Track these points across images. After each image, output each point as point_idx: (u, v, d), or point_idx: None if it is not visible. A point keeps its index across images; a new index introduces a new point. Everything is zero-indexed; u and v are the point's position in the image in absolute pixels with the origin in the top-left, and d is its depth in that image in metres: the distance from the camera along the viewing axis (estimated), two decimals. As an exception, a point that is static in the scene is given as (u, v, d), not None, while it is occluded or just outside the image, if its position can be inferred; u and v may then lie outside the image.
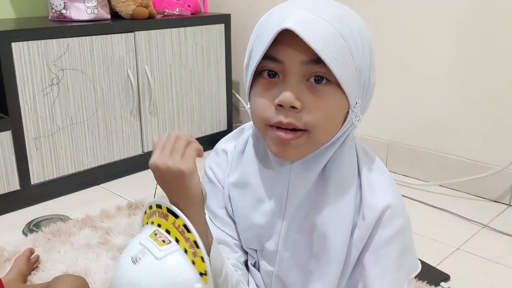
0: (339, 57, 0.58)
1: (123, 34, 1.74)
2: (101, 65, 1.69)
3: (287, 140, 0.61)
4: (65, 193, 1.71)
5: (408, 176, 1.83)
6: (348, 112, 0.63)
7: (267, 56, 0.60)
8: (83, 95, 1.67)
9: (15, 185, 1.57)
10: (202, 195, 0.61)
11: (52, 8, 1.76)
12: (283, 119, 0.60)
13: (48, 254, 1.30)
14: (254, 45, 0.63)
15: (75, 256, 1.29)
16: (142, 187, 1.78)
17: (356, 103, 0.63)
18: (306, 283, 0.71)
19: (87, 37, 1.63)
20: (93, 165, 1.76)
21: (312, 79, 0.60)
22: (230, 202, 0.75)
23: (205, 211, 0.76)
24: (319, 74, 0.60)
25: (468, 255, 1.33)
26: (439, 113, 1.73)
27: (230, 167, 0.75)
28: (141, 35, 1.79)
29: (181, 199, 0.60)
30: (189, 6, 2.09)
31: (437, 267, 1.26)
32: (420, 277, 1.18)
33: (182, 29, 1.92)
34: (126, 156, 1.85)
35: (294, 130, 0.61)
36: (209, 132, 2.10)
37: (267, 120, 0.62)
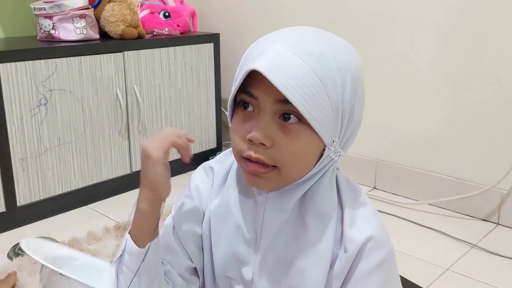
0: (310, 98, 0.58)
1: (112, 54, 1.73)
2: (90, 85, 1.69)
3: (257, 173, 0.62)
4: (52, 215, 1.68)
5: (397, 194, 1.84)
6: (324, 149, 0.63)
7: (244, 90, 0.62)
8: (71, 115, 1.65)
9: (0, 207, 1.54)
10: (159, 188, 0.66)
11: (40, 29, 1.76)
12: (252, 154, 0.61)
13: (33, 277, 1.27)
14: (237, 75, 0.64)
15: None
16: (130, 207, 1.75)
17: (333, 141, 0.62)
18: None
19: (75, 57, 1.63)
20: (80, 186, 1.74)
21: (284, 118, 0.61)
22: (210, 228, 0.74)
23: (171, 220, 0.77)
24: (289, 113, 0.60)
25: (458, 276, 1.33)
26: (428, 132, 1.74)
27: (214, 189, 0.75)
28: (130, 55, 1.79)
29: (142, 182, 0.67)
30: (178, 25, 2.10)
31: (427, 288, 1.26)
32: (410, 298, 1.18)
33: (171, 48, 1.93)
34: (114, 176, 1.83)
35: (263, 164, 0.62)
36: (198, 150, 2.09)
37: (240, 152, 0.63)
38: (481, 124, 1.62)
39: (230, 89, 0.65)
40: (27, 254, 1.37)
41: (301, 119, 0.60)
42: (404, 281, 1.20)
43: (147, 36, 1.96)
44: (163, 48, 1.90)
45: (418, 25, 1.69)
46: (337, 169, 0.70)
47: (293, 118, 0.60)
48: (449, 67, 1.65)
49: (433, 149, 1.74)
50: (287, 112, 0.60)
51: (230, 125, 0.68)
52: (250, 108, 0.63)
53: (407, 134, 1.79)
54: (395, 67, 1.78)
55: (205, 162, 0.79)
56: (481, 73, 1.58)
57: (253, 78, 0.60)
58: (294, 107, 0.58)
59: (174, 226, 0.76)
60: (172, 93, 1.96)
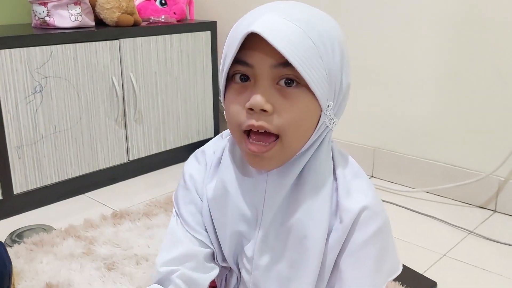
0: (307, 59, 0.58)
1: (108, 42, 1.72)
2: (85, 72, 1.67)
3: (259, 153, 0.62)
4: (49, 203, 1.68)
5: (394, 182, 1.84)
6: (320, 116, 0.63)
7: (238, 60, 0.61)
8: (67, 103, 1.64)
9: (-4, 195, 1.54)
10: None
11: (35, 15, 1.74)
12: (254, 122, 0.61)
13: (30, 265, 1.27)
14: (227, 51, 0.63)
15: (58, 266, 1.26)
16: (127, 195, 1.75)
17: (328, 106, 0.63)
18: None
19: (71, 44, 1.61)
20: (77, 174, 1.73)
21: (282, 82, 0.61)
22: (210, 214, 0.74)
23: (178, 218, 0.76)
24: (289, 77, 0.60)
25: (455, 262, 1.33)
26: (425, 120, 1.74)
27: (208, 174, 0.74)
28: (126, 42, 1.78)
29: None
30: (174, 13, 2.08)
31: (424, 274, 1.26)
32: (407, 284, 1.18)
33: (167, 36, 1.91)
34: (111, 165, 1.82)
35: (266, 133, 0.61)
36: (195, 139, 2.08)
37: (240, 125, 0.62)
38: (478, 111, 1.61)
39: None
40: (24, 242, 1.37)
41: (299, 82, 0.60)
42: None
43: (143, 24, 1.94)
44: (159, 36, 1.88)
45: (416, 11, 1.68)
46: (332, 141, 0.70)
47: (292, 81, 0.60)
48: (447, 54, 1.64)
49: (430, 136, 1.73)
50: (284, 76, 0.60)
51: (223, 104, 0.68)
52: (244, 80, 0.62)
53: (404, 122, 1.79)
54: (392, 53, 1.77)
55: (195, 151, 0.79)
56: (479, 60, 1.58)
57: (246, 47, 0.60)
58: (290, 71, 0.59)
59: (180, 221, 0.76)
60: (169, 81, 1.95)
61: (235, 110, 0.63)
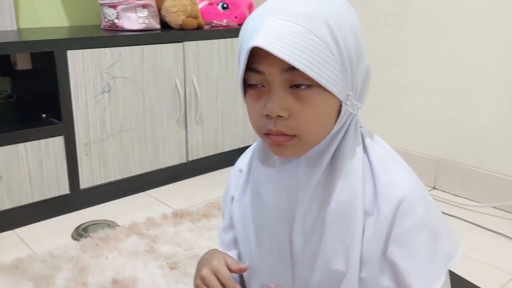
0: (314, 58, 0.57)
1: (172, 44, 1.75)
2: (151, 74, 1.72)
3: (280, 142, 0.62)
4: (113, 199, 1.73)
5: (458, 195, 1.77)
6: (341, 105, 0.63)
7: (250, 68, 0.61)
8: (132, 103, 1.69)
9: (65, 189, 1.60)
10: None
11: (104, 18, 1.80)
12: (272, 127, 0.61)
13: (97, 260, 1.31)
14: (239, 56, 0.64)
15: (123, 264, 1.30)
16: (186, 195, 1.78)
17: (348, 95, 0.62)
18: (321, 284, 0.68)
19: (138, 46, 1.66)
20: (139, 172, 1.77)
21: (294, 86, 0.60)
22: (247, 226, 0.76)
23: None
24: (300, 80, 0.60)
25: (526, 282, 1.26)
26: (492, 129, 1.66)
27: (242, 186, 0.77)
28: (190, 45, 1.81)
29: None
30: (236, 17, 2.10)
31: (494, 293, 1.20)
32: (476, 303, 1.13)
33: (229, 40, 1.93)
34: (171, 164, 1.86)
35: (285, 134, 0.62)
36: (251, 142, 2.08)
37: (260, 129, 0.64)
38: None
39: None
40: (90, 237, 1.41)
41: (312, 82, 0.60)
42: (469, 285, 1.16)
43: (206, 27, 1.97)
44: (221, 40, 1.90)
45: (482, 14, 1.61)
46: (361, 127, 0.69)
47: (303, 84, 0.60)
48: (521, 63, 1.57)
49: (499, 149, 1.66)
50: (295, 79, 0.60)
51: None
52: (259, 86, 0.62)
53: (470, 131, 1.72)
54: (459, 63, 1.70)
55: (236, 163, 0.82)
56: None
57: (256, 54, 0.59)
58: (302, 73, 0.58)
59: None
60: (229, 84, 1.96)
61: (253, 115, 0.64)
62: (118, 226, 1.52)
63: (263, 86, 0.62)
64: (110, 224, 1.54)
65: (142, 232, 1.46)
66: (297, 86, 0.60)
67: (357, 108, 0.65)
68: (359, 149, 0.67)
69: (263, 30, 0.58)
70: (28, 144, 1.48)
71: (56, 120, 1.56)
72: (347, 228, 0.65)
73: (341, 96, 0.61)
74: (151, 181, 1.82)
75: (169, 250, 1.37)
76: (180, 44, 1.78)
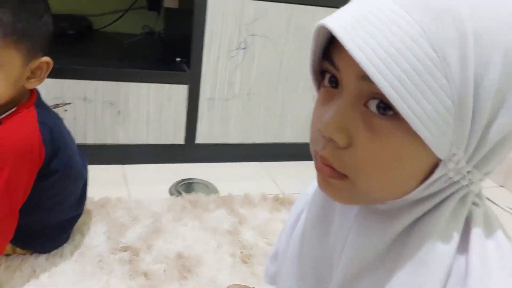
0: (413, 78, 0.35)
1: (328, 9, 1.52)
2: (295, 38, 1.52)
3: (324, 174, 0.42)
4: (224, 161, 1.64)
5: None
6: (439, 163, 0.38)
7: (328, 55, 0.42)
8: (267, 67, 1.53)
9: (180, 139, 1.55)
10: None
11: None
12: (319, 150, 0.42)
13: (174, 224, 1.23)
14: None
15: (197, 238, 1.19)
16: (298, 179, 1.59)
17: (454, 154, 0.37)
18: None
19: (287, 4, 1.46)
20: (260, 141, 1.64)
21: (372, 105, 0.38)
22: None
23: None
24: (377, 97, 0.38)
25: None
26: None
27: (297, 213, 0.59)
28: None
29: None
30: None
31: None
32: None
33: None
34: (296, 141, 1.68)
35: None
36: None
37: (311, 143, 0.45)
38: None
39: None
40: (182, 196, 1.34)
41: (397, 110, 0.36)
42: None
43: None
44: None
45: None
46: (476, 204, 0.42)
47: (382, 107, 0.37)
48: None
49: None
50: (375, 95, 0.38)
51: None
52: (333, 85, 0.42)
53: None
54: None
55: None
56: None
57: (337, 41, 0.38)
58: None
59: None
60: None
61: (312, 123, 0.44)
62: (217, 192, 1.43)
63: (337, 86, 0.41)
64: (210, 187, 1.45)
65: (234, 207, 1.34)
66: (377, 108, 0.38)
67: (466, 177, 0.39)
68: (456, 236, 0.41)
69: (350, 8, 0.38)
70: (152, 85, 1.44)
71: (186, 67, 1.49)
72: None
73: (440, 151, 0.37)
74: (270, 153, 1.68)
75: (251, 238, 1.22)
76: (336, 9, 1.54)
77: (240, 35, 1.46)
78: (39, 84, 0.94)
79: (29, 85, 0.92)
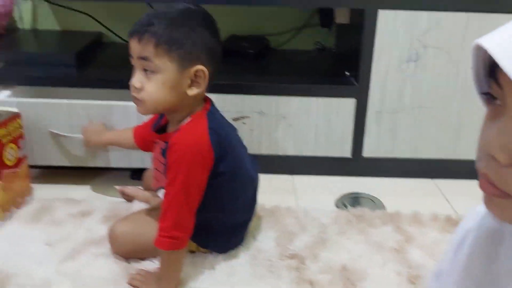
0: None
1: (507, 15, 1.38)
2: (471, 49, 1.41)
3: (486, 191, 0.43)
4: (392, 176, 1.59)
5: None
6: None
7: (492, 71, 0.42)
8: (441, 79, 1.45)
9: (346, 152, 1.56)
10: None
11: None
12: (481, 167, 0.42)
13: (339, 237, 1.25)
14: None
15: (361, 252, 1.19)
16: (475, 200, 1.47)
17: None
18: None
19: (462, 13, 1.38)
20: (431, 156, 1.56)
21: None
22: None
23: None
24: None
25: None
26: None
27: (466, 229, 0.57)
28: None
29: None
30: None
31: None
32: None
33: None
34: (472, 158, 1.55)
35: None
36: None
37: (476, 159, 0.45)
38: None
39: None
40: (347, 210, 1.35)
41: None
42: None
43: None
44: None
45: None
46: None
47: None
48: None
49: None
50: None
51: None
52: (499, 102, 0.42)
53: None
54: None
55: None
56: None
57: None
58: None
59: None
60: None
61: (479, 137, 0.44)
62: (383, 208, 1.40)
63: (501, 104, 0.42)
64: (376, 202, 1.44)
65: (401, 225, 1.30)
66: None
67: None
68: None
69: (510, 26, 0.39)
70: (321, 99, 1.49)
71: (354, 81, 1.50)
72: None
73: None
74: (443, 170, 1.58)
75: (418, 258, 1.17)
76: None
77: (411, 47, 1.42)
78: (200, 92, 1.03)
79: (191, 92, 1.02)
